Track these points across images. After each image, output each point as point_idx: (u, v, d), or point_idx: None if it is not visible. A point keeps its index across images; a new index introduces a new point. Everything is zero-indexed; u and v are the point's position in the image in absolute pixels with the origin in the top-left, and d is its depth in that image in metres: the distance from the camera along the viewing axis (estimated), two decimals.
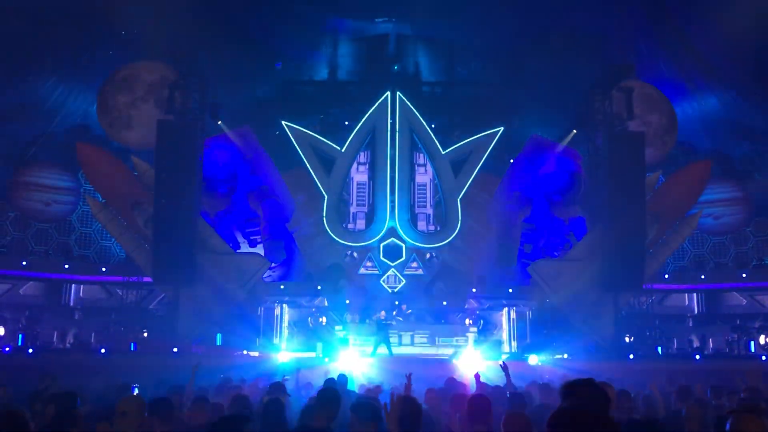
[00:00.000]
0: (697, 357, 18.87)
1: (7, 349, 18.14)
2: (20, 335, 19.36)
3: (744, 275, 24.17)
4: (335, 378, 9.12)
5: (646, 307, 21.33)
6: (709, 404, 7.19)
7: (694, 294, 24.59)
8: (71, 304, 23.33)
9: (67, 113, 22.58)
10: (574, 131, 22.68)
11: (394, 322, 20.15)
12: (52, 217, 23.96)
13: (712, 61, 22.03)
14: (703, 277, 24.21)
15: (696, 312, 24.45)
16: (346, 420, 5.19)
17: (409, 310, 21.55)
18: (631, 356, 18.60)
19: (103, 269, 23.14)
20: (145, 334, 20.06)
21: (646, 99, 22.62)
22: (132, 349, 18.74)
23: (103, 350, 18.09)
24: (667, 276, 23.54)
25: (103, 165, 21.23)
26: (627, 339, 20.38)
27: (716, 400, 7.98)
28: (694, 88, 23.48)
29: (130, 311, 20.87)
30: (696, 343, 22.18)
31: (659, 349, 20.06)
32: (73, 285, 23.45)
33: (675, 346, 22.16)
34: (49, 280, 22.88)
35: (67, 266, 22.95)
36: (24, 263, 22.62)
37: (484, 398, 5.00)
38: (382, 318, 19.41)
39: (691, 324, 24.03)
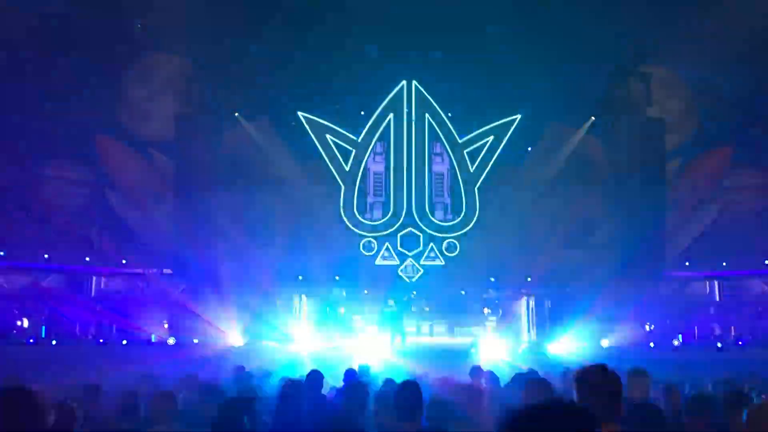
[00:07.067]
0: (719, 345, 18.72)
1: (31, 340, 18.42)
2: (43, 327, 19.61)
3: (766, 262, 23.87)
4: (355, 369, 9.09)
5: (666, 295, 21.08)
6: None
7: (716, 281, 24.32)
8: (93, 295, 23.57)
9: (86, 107, 22.72)
10: (593, 118, 22.48)
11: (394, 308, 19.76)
12: (73, 210, 24.21)
13: (734, 45, 21.71)
14: (724, 264, 23.92)
15: (718, 299, 24.18)
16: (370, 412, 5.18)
17: (413, 294, 21.30)
18: (652, 344, 18.50)
19: (124, 261, 23.34)
20: (166, 326, 20.31)
21: (666, 85, 22.38)
22: (153, 340, 18.95)
23: (124, 342, 18.34)
24: (687, 263, 23.29)
25: (122, 158, 21.44)
26: (647, 327, 20.26)
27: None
28: (715, 73, 23.15)
29: (151, 303, 21.15)
30: (718, 331, 21.97)
31: (680, 337, 19.92)
32: (94, 277, 23.69)
33: (696, 334, 21.99)
34: (71, 272, 23.13)
35: (88, 259, 23.17)
36: (46, 256, 22.89)
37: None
38: (392, 306, 19.34)
39: (712, 312, 23.78)
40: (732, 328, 21.35)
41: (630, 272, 19.89)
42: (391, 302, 19.52)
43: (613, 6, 20.83)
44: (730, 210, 24.49)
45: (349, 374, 8.19)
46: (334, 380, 8.12)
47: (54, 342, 18.14)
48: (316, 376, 6.63)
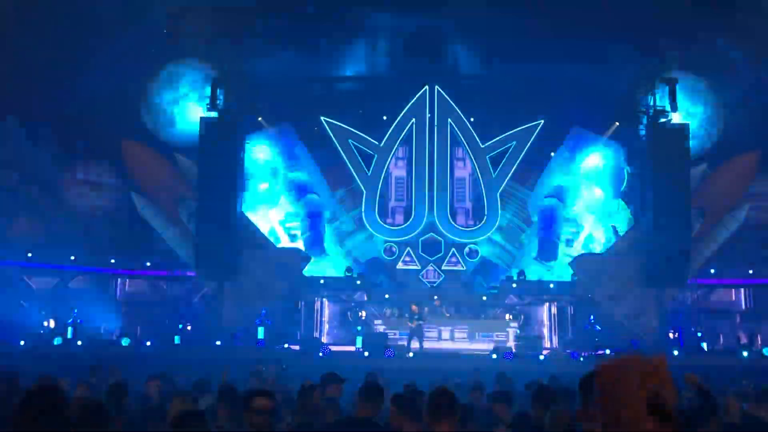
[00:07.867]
0: (745, 354, 18.46)
1: (59, 340, 18.70)
2: (69, 328, 19.89)
3: None
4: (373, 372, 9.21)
5: (690, 302, 20.85)
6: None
7: (742, 289, 23.97)
8: (117, 297, 23.88)
9: (113, 110, 23.08)
10: (617, 123, 22.33)
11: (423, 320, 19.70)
12: (99, 212, 24.55)
13: (761, 49, 21.46)
14: (750, 271, 23.57)
15: (744, 308, 23.84)
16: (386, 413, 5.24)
17: (439, 304, 21.23)
18: (675, 352, 18.29)
19: (148, 264, 23.61)
20: (189, 328, 20.52)
21: (691, 90, 22.16)
22: (176, 342, 19.15)
23: (148, 343, 18.54)
24: (712, 271, 23.00)
25: (147, 162, 21.77)
26: (671, 335, 20.05)
27: None
28: (741, 78, 22.88)
29: (175, 305, 21.46)
30: (744, 340, 21.67)
31: (704, 345, 19.68)
32: (119, 279, 23.99)
33: (721, 342, 21.71)
34: (96, 273, 23.46)
35: (113, 261, 23.48)
36: (72, 257, 23.22)
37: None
38: (415, 312, 19.33)
39: (738, 320, 23.47)
40: (758, 336, 21.05)
41: (654, 280, 19.69)
42: (414, 308, 19.51)
43: (638, 11, 20.71)
44: (756, 216, 24.16)
45: (368, 377, 8.27)
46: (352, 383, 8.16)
47: (79, 343, 18.40)
48: (332, 378, 6.67)
